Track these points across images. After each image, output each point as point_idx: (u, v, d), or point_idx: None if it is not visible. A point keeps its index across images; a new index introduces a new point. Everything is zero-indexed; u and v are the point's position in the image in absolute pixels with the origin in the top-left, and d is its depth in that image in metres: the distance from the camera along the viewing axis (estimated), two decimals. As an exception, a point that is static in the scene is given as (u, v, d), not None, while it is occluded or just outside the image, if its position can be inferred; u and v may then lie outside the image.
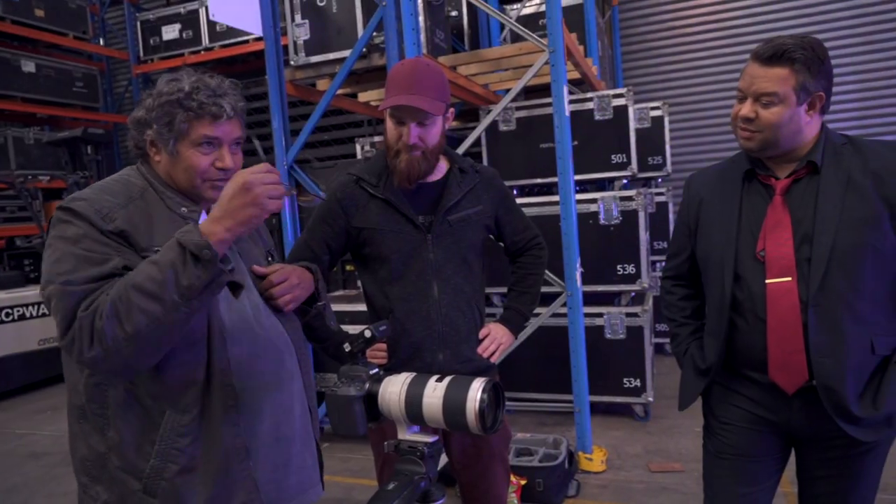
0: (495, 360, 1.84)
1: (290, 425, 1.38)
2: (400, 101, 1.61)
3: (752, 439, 1.57)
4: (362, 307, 1.98)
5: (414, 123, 1.64)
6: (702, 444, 1.72)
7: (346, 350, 1.14)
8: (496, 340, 1.84)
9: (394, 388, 1.09)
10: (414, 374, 1.11)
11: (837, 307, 1.41)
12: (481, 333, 1.83)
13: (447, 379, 1.07)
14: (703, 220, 1.63)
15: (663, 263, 5.15)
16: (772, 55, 1.42)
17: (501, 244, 1.98)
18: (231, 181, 1.17)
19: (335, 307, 3.83)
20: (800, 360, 1.43)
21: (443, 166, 1.80)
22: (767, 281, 1.45)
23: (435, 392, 1.05)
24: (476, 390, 1.03)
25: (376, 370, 1.14)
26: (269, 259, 1.49)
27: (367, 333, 1.13)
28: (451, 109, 1.76)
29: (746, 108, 1.47)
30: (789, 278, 1.43)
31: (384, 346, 1.75)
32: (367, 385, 1.11)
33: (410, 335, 1.73)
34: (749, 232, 1.51)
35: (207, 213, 1.34)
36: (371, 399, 1.10)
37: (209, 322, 1.25)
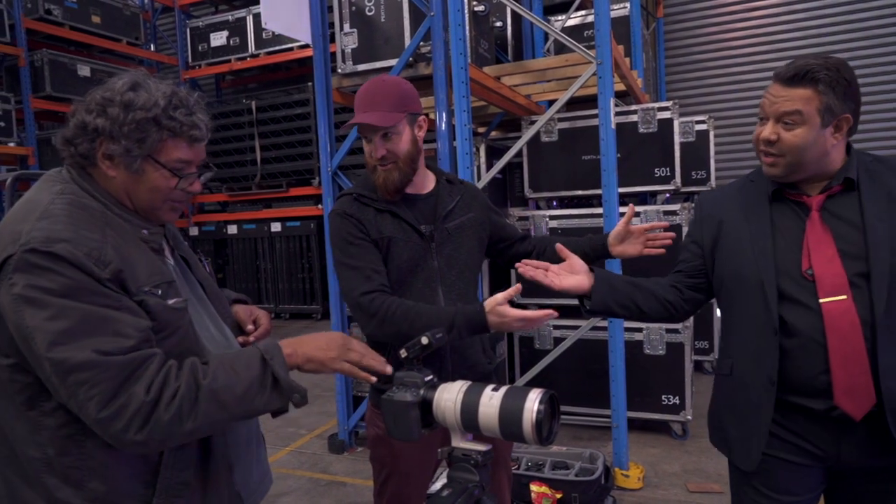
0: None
1: (251, 426, 1.39)
2: (355, 120, 1.68)
3: (795, 475, 1.49)
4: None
5: (378, 138, 1.69)
6: (730, 474, 1.63)
7: (403, 356, 1.15)
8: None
9: (449, 396, 1.10)
10: (469, 382, 1.12)
11: None
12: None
13: (503, 388, 1.08)
14: (725, 240, 1.56)
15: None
16: (794, 75, 1.37)
17: (502, 245, 1.98)
18: (340, 340, 1.22)
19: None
20: (867, 382, 1.36)
21: (431, 179, 1.85)
22: (822, 300, 1.39)
23: (491, 401, 1.06)
24: (533, 401, 1.03)
25: (431, 377, 1.15)
26: (196, 254, 1.45)
27: (424, 340, 1.14)
28: (423, 117, 1.77)
29: (768, 130, 1.42)
30: (844, 296, 1.37)
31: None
32: (422, 391, 1.12)
33: None
34: (788, 250, 1.45)
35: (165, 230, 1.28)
36: (426, 405, 1.12)
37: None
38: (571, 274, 1.66)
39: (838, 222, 1.42)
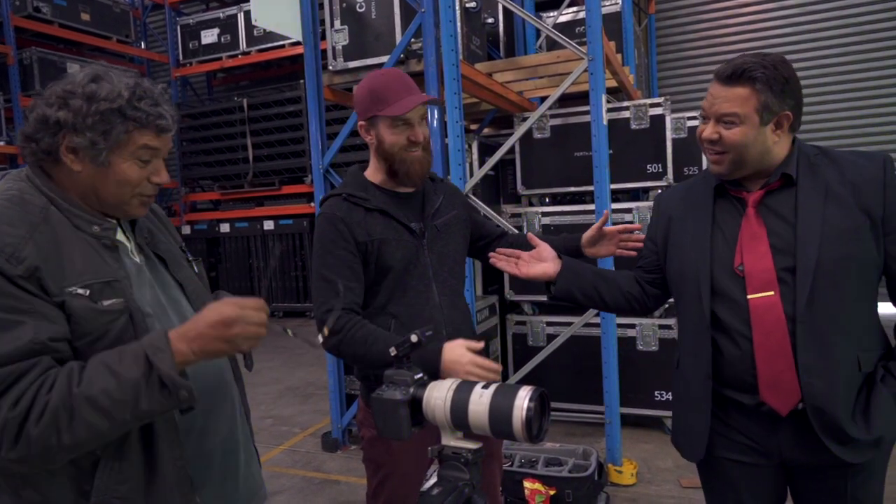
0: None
1: (233, 435, 1.31)
2: (420, 99, 1.67)
3: (749, 474, 1.49)
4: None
5: (419, 120, 1.71)
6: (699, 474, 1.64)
7: (392, 354, 1.14)
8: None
9: (439, 394, 1.09)
10: (459, 380, 1.12)
11: (826, 322, 1.35)
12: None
13: (493, 386, 1.07)
14: (673, 238, 1.58)
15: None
16: (731, 74, 1.37)
17: (482, 243, 2.00)
18: (216, 307, 1.07)
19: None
20: (791, 378, 1.36)
21: None
22: (749, 296, 1.39)
23: (481, 399, 1.05)
24: (523, 398, 1.02)
25: (420, 375, 1.14)
26: (185, 254, 1.39)
27: (414, 338, 1.13)
28: None
29: (709, 130, 1.43)
30: (772, 293, 1.38)
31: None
32: (411, 389, 1.11)
33: None
34: (725, 246, 1.46)
35: (120, 225, 1.22)
36: (416, 404, 1.11)
37: None
38: (539, 261, 1.71)
39: (774, 218, 1.43)
